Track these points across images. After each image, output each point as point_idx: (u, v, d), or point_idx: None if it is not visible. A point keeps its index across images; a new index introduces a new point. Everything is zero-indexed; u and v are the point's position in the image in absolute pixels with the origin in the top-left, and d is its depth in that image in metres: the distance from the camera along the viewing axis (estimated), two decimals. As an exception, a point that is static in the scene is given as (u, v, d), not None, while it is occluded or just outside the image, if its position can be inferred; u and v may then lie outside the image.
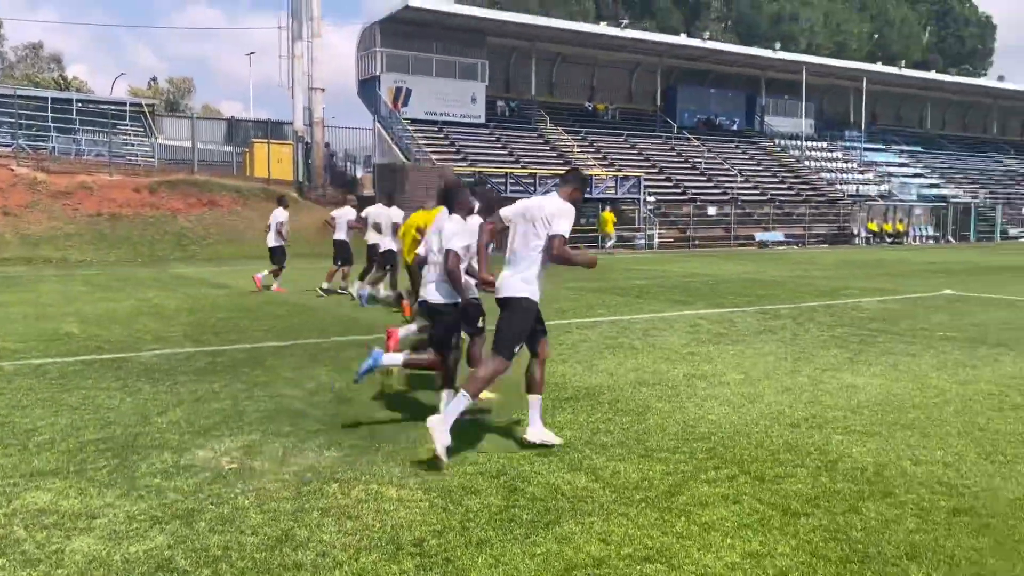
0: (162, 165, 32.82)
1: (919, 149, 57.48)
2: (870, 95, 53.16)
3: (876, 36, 71.17)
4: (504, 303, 5.15)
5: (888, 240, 41.41)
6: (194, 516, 3.93)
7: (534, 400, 5.12)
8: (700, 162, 44.70)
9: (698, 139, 46.73)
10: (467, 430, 5.30)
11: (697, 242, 37.16)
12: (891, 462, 4.78)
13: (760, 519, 3.91)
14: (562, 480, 4.44)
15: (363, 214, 14.05)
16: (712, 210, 39.28)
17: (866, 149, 52.75)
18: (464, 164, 35.09)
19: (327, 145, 35.08)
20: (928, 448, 5.05)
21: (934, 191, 49.55)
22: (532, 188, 33.54)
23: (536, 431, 5.06)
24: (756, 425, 5.58)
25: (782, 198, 42.21)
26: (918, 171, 53.68)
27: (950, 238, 44.68)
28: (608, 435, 5.33)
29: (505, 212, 5.33)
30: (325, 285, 14.31)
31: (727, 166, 45.31)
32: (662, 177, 41.57)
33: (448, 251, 5.31)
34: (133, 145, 35.53)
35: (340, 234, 14.61)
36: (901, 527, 3.82)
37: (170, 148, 36.35)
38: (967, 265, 23.61)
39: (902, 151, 56.10)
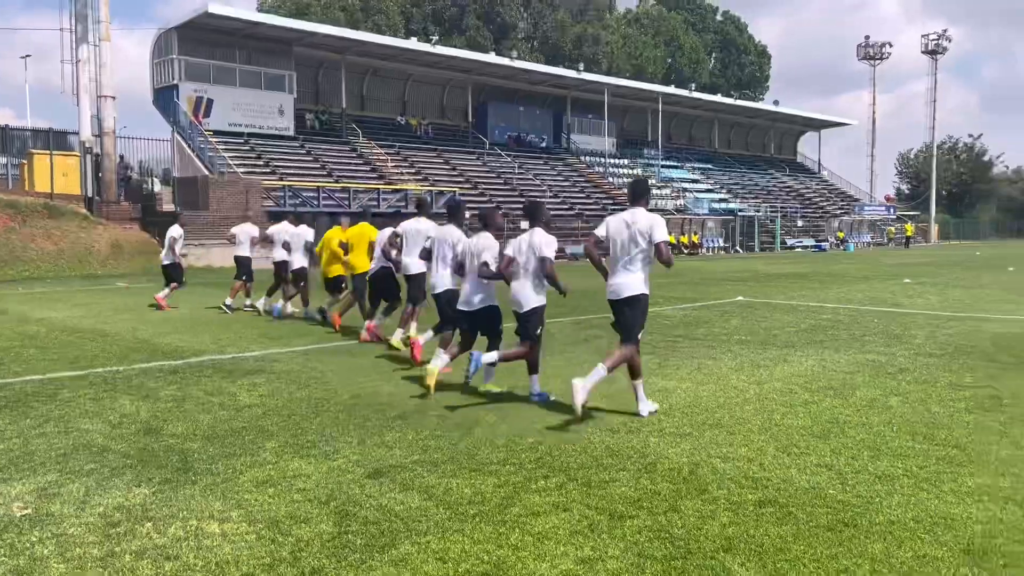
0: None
1: (709, 166, 62.28)
2: (666, 115, 56.93)
3: (669, 61, 76.43)
4: (625, 302, 6.27)
5: (685, 251, 44.41)
6: (-19, 573, 3.50)
7: (638, 383, 6.31)
8: (512, 177, 45.91)
9: (509, 155, 47.98)
10: (288, 458, 5.11)
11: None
12: (703, 461, 5.10)
13: (590, 524, 4.04)
14: (394, 501, 4.37)
15: (268, 232, 14.57)
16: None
17: (663, 166, 56.39)
18: (273, 178, 33.92)
19: (121, 157, 32.65)
20: (734, 445, 5.44)
21: (723, 205, 53.76)
22: (347, 202, 32.97)
23: (644, 407, 6.28)
24: (579, 432, 5.77)
25: (589, 213, 44.10)
26: (709, 187, 58.10)
27: (738, 248, 48.70)
28: (438, 451, 5.31)
29: (600, 231, 6.51)
30: (229, 301, 14.23)
31: (537, 181, 46.86)
32: (476, 192, 42.22)
33: (544, 258, 6.68)
34: None
35: (242, 251, 14.81)
36: (716, 522, 4.08)
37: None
38: (754, 273, 25.77)
39: (694, 168, 60.52)
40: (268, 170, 35.02)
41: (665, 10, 79.79)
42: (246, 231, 15.06)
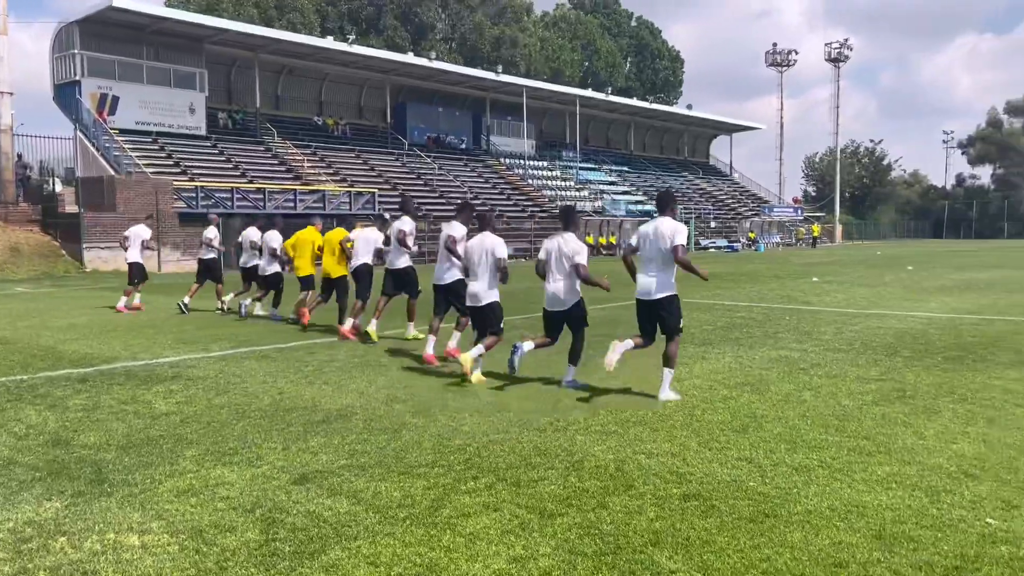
0: None
1: (626, 169, 63.41)
2: (583, 118, 57.69)
3: (586, 64, 77.48)
4: (658, 303, 6.97)
5: (603, 252, 45.08)
6: None
7: (668, 372, 6.96)
8: (431, 179, 45.73)
9: (428, 156, 47.79)
10: (206, 464, 4.97)
11: (431, 258, 37.85)
12: (628, 457, 5.20)
13: (521, 523, 4.07)
14: (323, 507, 4.31)
15: (240, 239, 14.53)
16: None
17: (581, 168, 57.14)
18: (184, 178, 32.89)
19: (19, 156, 31.14)
20: (657, 441, 5.57)
21: (640, 207, 54.78)
22: (262, 204, 32.23)
23: (666, 394, 6.89)
24: (507, 432, 5.80)
25: (509, 214, 44.30)
26: (625, 189, 59.15)
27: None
28: (366, 455, 5.26)
29: (634, 240, 7.27)
30: (228, 298, 14.32)
31: (457, 183, 46.80)
32: (395, 193, 41.89)
33: (578, 265, 7.21)
34: None
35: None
36: (643, 516, 4.17)
37: None
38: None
39: (611, 170, 61.53)
40: (179, 170, 33.92)
41: (582, 14, 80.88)
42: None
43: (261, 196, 32.73)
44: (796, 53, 78.97)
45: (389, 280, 10.47)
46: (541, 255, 7.54)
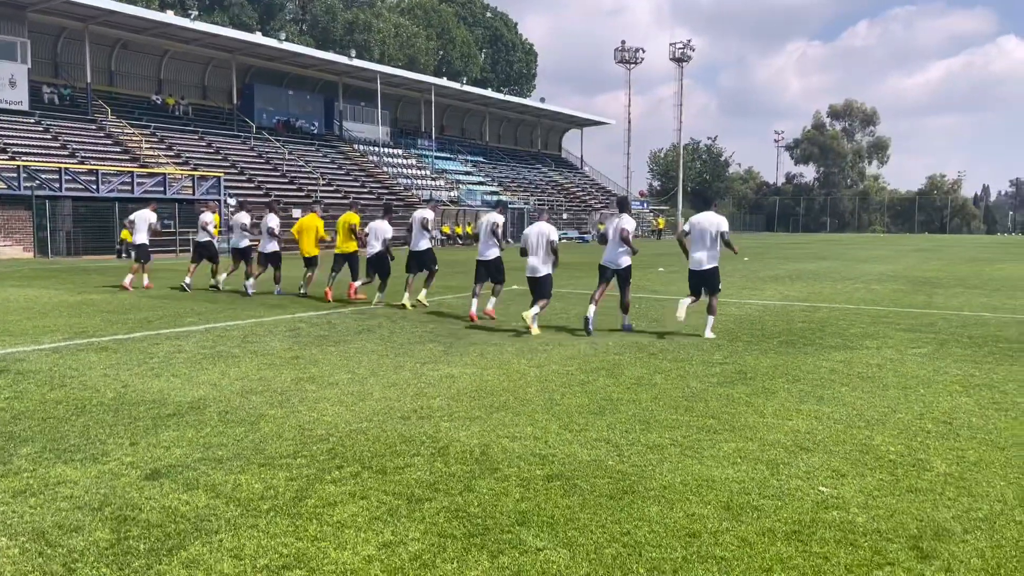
0: None
1: (481, 159, 63.86)
2: (439, 107, 57.58)
3: (442, 53, 77.25)
4: (707, 272, 10.05)
5: (460, 242, 45.26)
6: None
7: (711, 318, 10.07)
8: (281, 164, 44.29)
9: (278, 140, 46.23)
10: (46, 464, 4.64)
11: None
12: (493, 442, 5.29)
13: (388, 510, 4.06)
14: (179, 501, 4.12)
15: (230, 222, 16.59)
16: (297, 212, 39.10)
17: (437, 157, 57.04)
18: (3, 157, 30.22)
19: None
20: (520, 425, 5.69)
21: (495, 197, 55.36)
22: (95, 186, 30.13)
23: (709, 333, 9.87)
24: (371, 421, 5.75)
25: (364, 202, 43.61)
26: (480, 179, 59.56)
27: (508, 239, 50.37)
28: (223, 448, 5.06)
29: (686, 227, 10.42)
30: (221, 277, 15.78)
31: (308, 169, 45.56)
32: (243, 178, 40.30)
33: (626, 237, 10.18)
34: None
35: (205, 237, 16.07)
36: (509, 498, 4.26)
37: None
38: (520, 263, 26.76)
39: (467, 160, 61.77)
40: (-2, 148, 31.15)
41: (437, 2, 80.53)
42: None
43: (94, 178, 30.58)
44: (643, 51, 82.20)
45: (413, 260, 12.95)
46: (603, 228, 10.73)
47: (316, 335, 9.88)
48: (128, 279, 15.84)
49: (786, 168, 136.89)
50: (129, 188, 31.27)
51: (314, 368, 7.71)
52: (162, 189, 32.23)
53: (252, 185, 40.19)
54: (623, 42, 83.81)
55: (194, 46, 44.23)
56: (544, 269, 10.35)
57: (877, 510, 4.13)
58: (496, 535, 3.77)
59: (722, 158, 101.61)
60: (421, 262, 12.88)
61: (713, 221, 10.06)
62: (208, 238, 16.06)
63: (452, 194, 52.77)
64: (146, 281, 16.20)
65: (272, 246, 14.97)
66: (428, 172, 54.55)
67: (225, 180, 35.84)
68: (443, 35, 78.00)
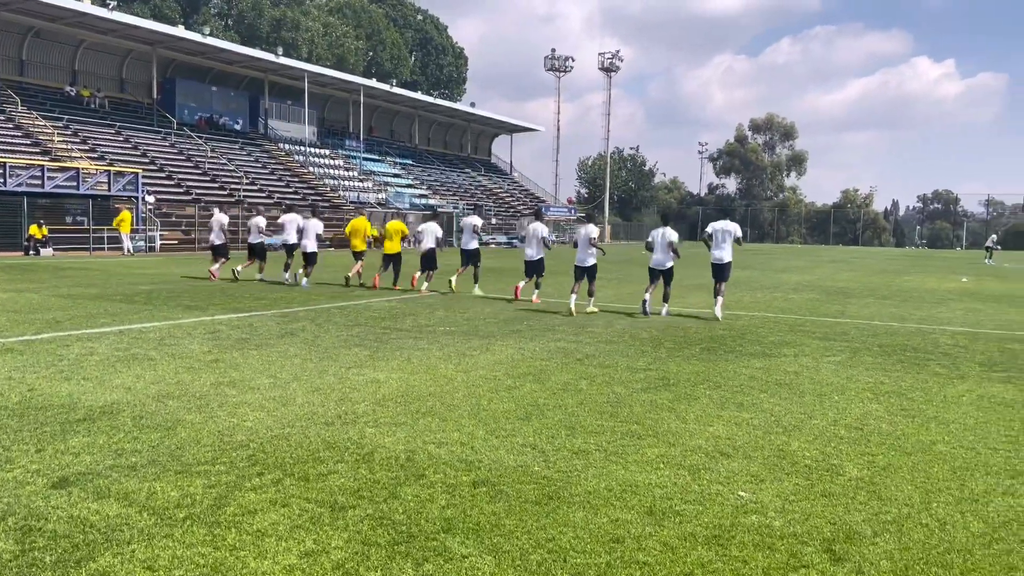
0: None
1: (410, 162, 63.49)
2: (367, 108, 57.00)
3: (371, 54, 76.54)
4: (726, 264, 13.28)
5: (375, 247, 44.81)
6: None
7: (721, 300, 13.05)
8: (203, 161, 43.13)
9: (200, 137, 45.00)
10: (-49, 470, 4.38)
11: (204, 244, 35.67)
12: (419, 448, 5.24)
13: (311, 518, 3.97)
14: (88, 511, 3.95)
15: (281, 220, 18.83)
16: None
17: (365, 159, 56.42)
18: (-96, 146, 28.58)
19: None
20: (446, 431, 5.66)
21: (424, 200, 55.11)
22: (2, 179, 28.75)
23: (718, 311, 12.86)
24: (293, 427, 5.63)
25: (288, 201, 42.83)
26: (410, 182, 59.19)
27: (445, 245, 50.17)
28: (136, 455, 4.88)
29: (709, 229, 13.58)
30: (240, 267, 18.73)
31: (232, 167, 44.50)
32: (163, 175, 39.11)
33: (675, 248, 13.33)
34: None
35: (258, 239, 18.75)
36: (435, 504, 4.23)
37: None
38: (449, 267, 26.70)
39: (396, 163, 61.31)
40: None
41: (367, 3, 79.77)
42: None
43: (1, 171, 29.17)
44: (573, 60, 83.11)
45: (464, 256, 16.92)
46: (649, 239, 13.60)
47: (237, 338, 9.63)
48: (239, 270, 18.62)
49: (709, 179, 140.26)
50: (39, 182, 29.96)
51: (235, 372, 7.51)
52: (75, 184, 30.99)
53: (172, 183, 39.00)
54: (553, 50, 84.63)
55: (112, 37, 42.72)
56: (591, 260, 13.46)
57: (793, 514, 4.25)
58: (421, 542, 3.74)
59: (646, 167, 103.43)
60: (470, 259, 16.74)
61: (730, 228, 13.40)
62: (260, 238, 18.64)
63: (380, 196, 52.28)
64: (215, 267, 18.70)
65: (254, 239, 18.58)
66: (356, 173, 53.91)
67: (144, 177, 34.68)
68: (373, 36, 77.30)
